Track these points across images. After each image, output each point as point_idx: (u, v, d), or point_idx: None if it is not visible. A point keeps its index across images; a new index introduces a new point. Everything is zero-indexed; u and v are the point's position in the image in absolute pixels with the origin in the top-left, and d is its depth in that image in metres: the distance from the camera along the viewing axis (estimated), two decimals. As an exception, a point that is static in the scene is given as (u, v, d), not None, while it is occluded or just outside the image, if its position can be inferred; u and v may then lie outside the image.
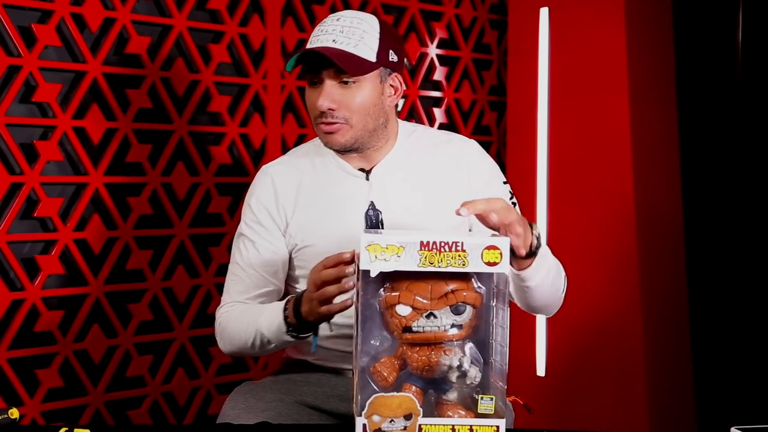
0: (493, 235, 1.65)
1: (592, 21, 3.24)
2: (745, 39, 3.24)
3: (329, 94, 1.87)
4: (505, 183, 2.02)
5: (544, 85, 3.36)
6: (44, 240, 2.55)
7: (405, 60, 2.01)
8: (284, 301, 1.82)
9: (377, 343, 1.50)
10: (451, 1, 3.44)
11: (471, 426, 1.47)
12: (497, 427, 1.48)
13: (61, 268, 2.57)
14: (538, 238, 1.73)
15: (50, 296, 2.56)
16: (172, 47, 2.77)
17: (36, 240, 2.54)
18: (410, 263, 1.43)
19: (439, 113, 3.42)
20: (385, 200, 1.95)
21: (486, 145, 3.57)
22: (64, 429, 1.62)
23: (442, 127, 3.44)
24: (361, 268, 1.44)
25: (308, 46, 1.90)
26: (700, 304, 3.35)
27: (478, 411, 1.49)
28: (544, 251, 1.81)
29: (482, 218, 1.63)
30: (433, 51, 3.40)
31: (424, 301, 1.46)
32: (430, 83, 3.43)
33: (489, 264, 1.44)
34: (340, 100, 1.88)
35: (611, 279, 3.18)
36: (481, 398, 1.49)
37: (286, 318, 1.79)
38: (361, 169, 1.98)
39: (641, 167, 3.17)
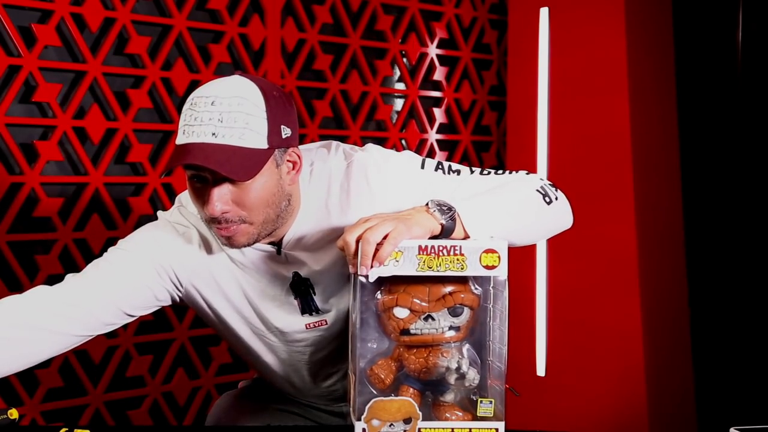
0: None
1: (592, 21, 3.24)
2: (745, 39, 3.24)
3: (220, 197, 1.58)
4: (423, 168, 1.72)
5: (544, 85, 3.36)
6: (44, 240, 2.55)
7: (295, 128, 1.68)
8: None
9: (374, 346, 1.50)
10: (451, 1, 3.44)
11: (470, 429, 1.48)
12: (496, 429, 1.48)
13: (60, 268, 2.57)
14: (444, 215, 1.50)
15: (50, 296, 2.56)
16: (172, 47, 2.77)
17: (36, 240, 2.54)
18: (409, 268, 1.43)
19: (439, 113, 3.42)
20: (307, 267, 1.71)
21: (486, 145, 3.58)
22: (64, 429, 1.62)
23: (441, 127, 3.44)
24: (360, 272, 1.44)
25: (182, 139, 1.58)
26: (700, 304, 3.35)
27: (478, 414, 1.49)
28: (473, 212, 1.54)
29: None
30: (433, 51, 3.40)
31: (422, 304, 1.46)
32: (430, 83, 3.43)
33: (487, 267, 1.44)
34: (234, 199, 1.59)
35: (611, 279, 3.18)
36: (480, 401, 1.49)
37: None
38: (271, 243, 1.72)
39: (641, 167, 3.17)
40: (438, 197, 1.58)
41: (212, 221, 1.62)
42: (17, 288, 2.49)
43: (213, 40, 2.87)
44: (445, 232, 1.50)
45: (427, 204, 1.52)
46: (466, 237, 1.53)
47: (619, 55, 3.16)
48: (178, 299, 1.78)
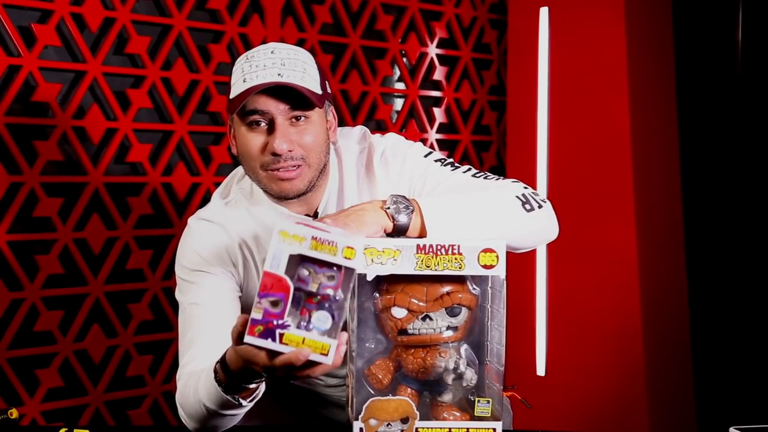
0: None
1: (592, 21, 3.24)
2: (745, 39, 3.24)
3: (286, 134, 1.64)
4: (426, 156, 1.80)
5: (544, 85, 3.36)
6: (44, 240, 2.56)
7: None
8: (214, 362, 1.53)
9: (372, 346, 1.50)
10: (451, 1, 3.44)
11: (468, 429, 1.48)
12: (494, 429, 1.48)
13: (60, 268, 2.57)
14: (399, 212, 1.52)
15: (50, 296, 2.56)
16: (172, 47, 2.77)
17: (36, 240, 2.54)
18: (407, 266, 1.43)
19: (439, 113, 3.42)
20: None
21: (486, 145, 3.58)
22: (64, 429, 1.62)
23: (441, 126, 3.44)
24: (358, 271, 1.44)
25: (244, 85, 1.64)
26: (700, 304, 3.35)
27: (475, 414, 1.49)
28: (436, 209, 1.56)
29: None
30: (433, 51, 3.40)
31: (420, 304, 1.47)
32: (430, 83, 3.43)
33: (485, 267, 1.44)
34: (297, 139, 1.65)
35: (611, 279, 3.18)
36: (478, 401, 1.49)
37: (216, 376, 1.51)
38: (306, 215, 1.75)
39: (641, 167, 3.17)
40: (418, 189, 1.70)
41: (273, 162, 1.65)
42: (17, 288, 2.50)
43: (213, 40, 2.87)
44: (399, 228, 1.52)
45: (385, 199, 1.54)
46: (422, 234, 1.53)
47: (619, 55, 3.16)
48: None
